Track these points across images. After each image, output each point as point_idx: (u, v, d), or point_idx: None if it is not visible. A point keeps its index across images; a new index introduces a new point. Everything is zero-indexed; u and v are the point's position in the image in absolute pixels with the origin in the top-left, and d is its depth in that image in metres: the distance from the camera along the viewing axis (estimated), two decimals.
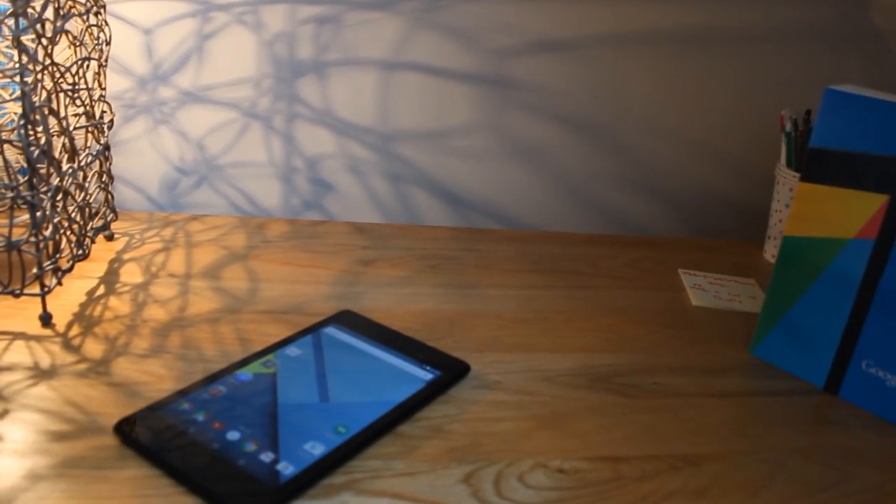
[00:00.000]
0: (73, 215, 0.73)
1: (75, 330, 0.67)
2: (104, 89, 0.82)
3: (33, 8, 0.62)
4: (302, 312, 0.74)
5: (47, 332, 0.66)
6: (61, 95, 0.71)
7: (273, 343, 0.66)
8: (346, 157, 1.00)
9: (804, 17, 1.03)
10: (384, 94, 0.98)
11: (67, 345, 0.65)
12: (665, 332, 0.79)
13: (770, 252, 1.03)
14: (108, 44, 0.81)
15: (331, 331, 0.68)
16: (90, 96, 0.78)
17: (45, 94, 0.66)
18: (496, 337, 0.74)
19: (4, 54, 0.78)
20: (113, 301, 0.73)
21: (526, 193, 1.06)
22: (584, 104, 1.02)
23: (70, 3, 0.71)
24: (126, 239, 0.87)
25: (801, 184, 0.70)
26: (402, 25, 0.95)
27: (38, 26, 0.63)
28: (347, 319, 0.71)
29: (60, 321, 0.68)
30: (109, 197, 0.86)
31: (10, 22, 0.61)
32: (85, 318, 0.69)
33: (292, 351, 0.64)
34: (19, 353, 0.63)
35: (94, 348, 0.64)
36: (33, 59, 0.62)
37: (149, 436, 0.52)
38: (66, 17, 0.68)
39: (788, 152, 0.98)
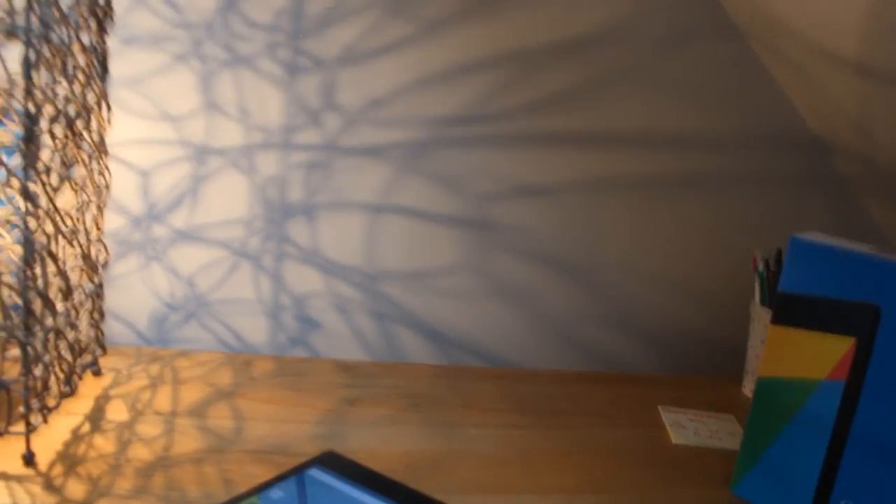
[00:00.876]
0: (62, 353, 0.75)
1: (58, 469, 0.67)
2: (101, 230, 0.85)
3: (40, 157, 0.65)
4: (286, 453, 0.74)
5: (29, 471, 0.66)
6: (60, 238, 0.73)
7: (257, 485, 0.66)
8: (333, 296, 1.02)
9: (772, 163, 1.09)
10: (371, 235, 1.02)
11: (49, 485, 0.65)
12: (646, 471, 0.80)
13: (748, 387, 1.05)
14: (107, 188, 0.85)
15: (315, 473, 0.68)
16: (87, 237, 0.81)
17: (45, 238, 0.68)
18: (478, 478, 0.74)
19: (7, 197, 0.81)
20: (97, 439, 0.73)
21: (508, 332, 1.08)
22: (564, 246, 1.06)
23: (75, 150, 0.75)
24: (113, 374, 0.88)
25: (771, 326, 0.72)
26: (389, 171, 1.00)
27: (44, 174, 0.67)
28: (332, 461, 0.71)
29: (43, 460, 0.68)
30: (99, 333, 0.87)
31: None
32: (68, 457, 0.69)
33: (276, 493, 0.64)
34: None
35: (76, 489, 0.64)
36: (37, 205, 0.65)
37: None
38: (71, 165, 0.72)
39: (762, 291, 1.02)
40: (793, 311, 0.71)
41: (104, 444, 0.72)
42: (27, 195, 0.64)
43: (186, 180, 0.97)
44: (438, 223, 1.03)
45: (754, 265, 1.03)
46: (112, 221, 0.96)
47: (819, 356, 0.69)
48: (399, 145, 1.00)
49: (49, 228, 0.70)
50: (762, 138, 1.08)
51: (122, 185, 0.96)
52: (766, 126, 1.08)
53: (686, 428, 0.91)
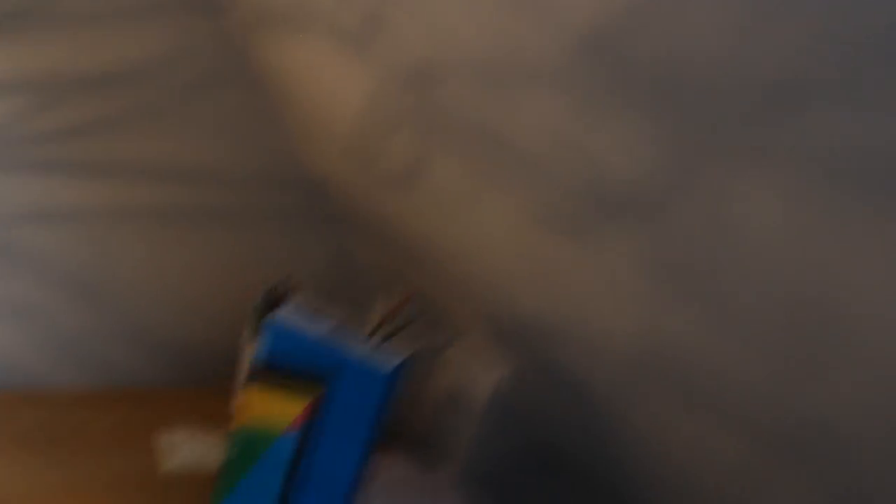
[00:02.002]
0: None
1: None
2: None
3: None
4: None
5: None
6: None
7: None
8: None
9: (280, 200, 1.26)
10: None
11: None
12: (146, 500, 0.91)
13: None
14: None
15: None
16: None
17: None
18: None
19: None
20: None
21: (16, 353, 1.10)
22: (76, 268, 1.12)
23: None
24: None
25: (245, 385, 0.89)
26: None
27: None
28: None
29: None
30: None
31: None
32: None
33: None
34: None
35: None
36: None
37: None
38: None
39: (254, 326, 1.18)
40: (263, 375, 0.88)
41: None
42: None
43: None
44: None
45: (253, 299, 1.20)
46: None
47: (281, 411, 0.88)
48: None
49: None
50: (273, 178, 1.24)
51: None
52: (277, 167, 1.24)
53: (183, 451, 1.04)
